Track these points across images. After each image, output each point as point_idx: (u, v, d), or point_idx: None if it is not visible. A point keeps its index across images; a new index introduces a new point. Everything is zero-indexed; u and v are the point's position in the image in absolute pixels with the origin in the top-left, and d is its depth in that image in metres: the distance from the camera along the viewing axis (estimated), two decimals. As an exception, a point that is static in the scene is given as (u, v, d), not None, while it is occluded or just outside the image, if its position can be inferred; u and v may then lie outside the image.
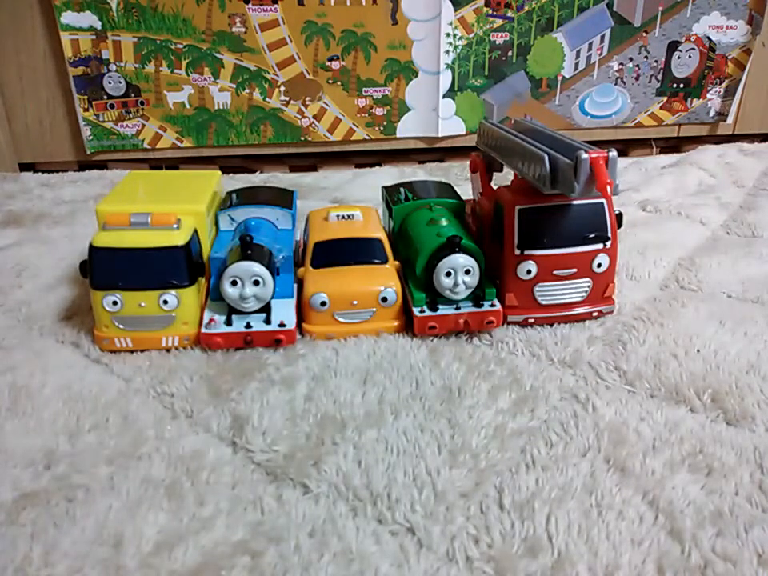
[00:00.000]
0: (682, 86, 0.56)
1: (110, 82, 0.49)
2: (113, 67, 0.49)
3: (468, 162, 0.33)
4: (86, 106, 0.50)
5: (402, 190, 0.33)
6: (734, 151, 0.54)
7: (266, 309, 0.26)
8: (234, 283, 0.25)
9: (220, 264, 0.27)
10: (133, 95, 0.50)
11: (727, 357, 0.25)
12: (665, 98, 0.57)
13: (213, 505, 0.18)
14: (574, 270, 0.27)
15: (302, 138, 0.53)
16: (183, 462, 0.20)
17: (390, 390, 0.23)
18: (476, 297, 0.27)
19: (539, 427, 0.21)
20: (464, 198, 0.32)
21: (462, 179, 0.49)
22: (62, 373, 0.25)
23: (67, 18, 0.47)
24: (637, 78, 0.56)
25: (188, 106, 0.51)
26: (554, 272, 0.27)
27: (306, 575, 0.16)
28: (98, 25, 0.47)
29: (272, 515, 0.18)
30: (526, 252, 0.26)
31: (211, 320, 0.26)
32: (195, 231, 0.27)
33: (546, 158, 0.24)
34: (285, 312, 0.27)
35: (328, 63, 0.51)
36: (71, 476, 0.19)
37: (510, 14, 0.52)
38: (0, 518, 0.18)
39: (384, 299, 0.27)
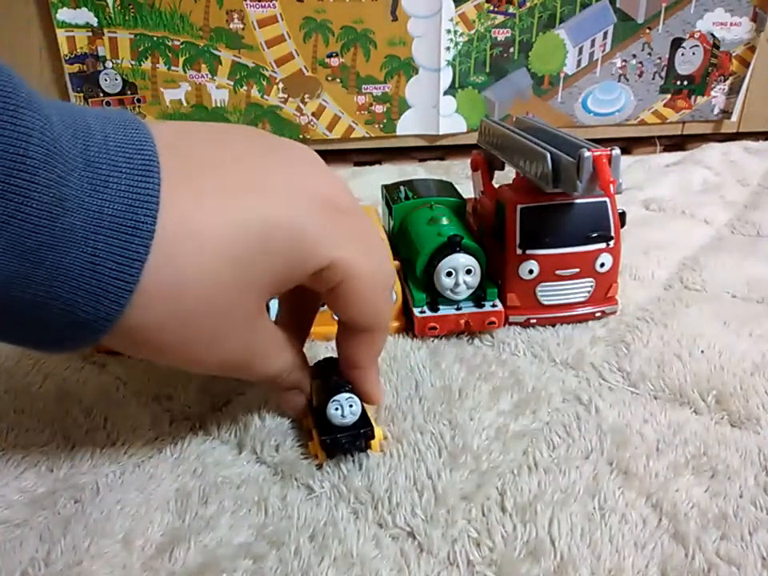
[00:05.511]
0: (685, 83, 0.56)
1: (106, 80, 0.49)
2: (109, 64, 0.48)
3: (469, 160, 0.33)
4: (82, 104, 0.49)
5: (401, 188, 0.32)
6: (738, 149, 0.54)
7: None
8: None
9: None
10: (129, 93, 0.50)
11: (732, 358, 0.24)
12: (668, 96, 0.56)
13: (216, 505, 0.18)
14: (577, 269, 0.26)
15: (301, 136, 0.53)
16: (183, 465, 0.20)
17: (388, 392, 0.23)
18: (477, 297, 0.27)
19: (541, 429, 0.21)
20: (465, 196, 0.32)
21: (462, 177, 0.49)
22: (59, 374, 0.25)
23: (63, 14, 0.46)
24: (640, 75, 0.55)
25: (185, 104, 0.51)
26: (557, 272, 0.26)
27: (306, 580, 0.16)
28: (94, 22, 0.47)
29: (275, 517, 0.18)
30: (528, 251, 0.26)
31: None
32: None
33: (548, 156, 0.23)
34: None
35: (327, 60, 0.51)
36: (74, 477, 0.19)
37: (511, 10, 0.51)
38: (10, 522, 0.18)
39: (384, 299, 0.27)
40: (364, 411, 0.19)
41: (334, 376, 0.19)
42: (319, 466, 0.19)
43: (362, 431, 0.19)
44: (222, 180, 0.14)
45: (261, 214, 0.14)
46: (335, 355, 0.20)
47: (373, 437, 0.19)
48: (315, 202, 0.15)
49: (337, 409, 0.18)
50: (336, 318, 0.25)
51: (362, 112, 0.53)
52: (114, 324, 0.13)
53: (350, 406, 0.19)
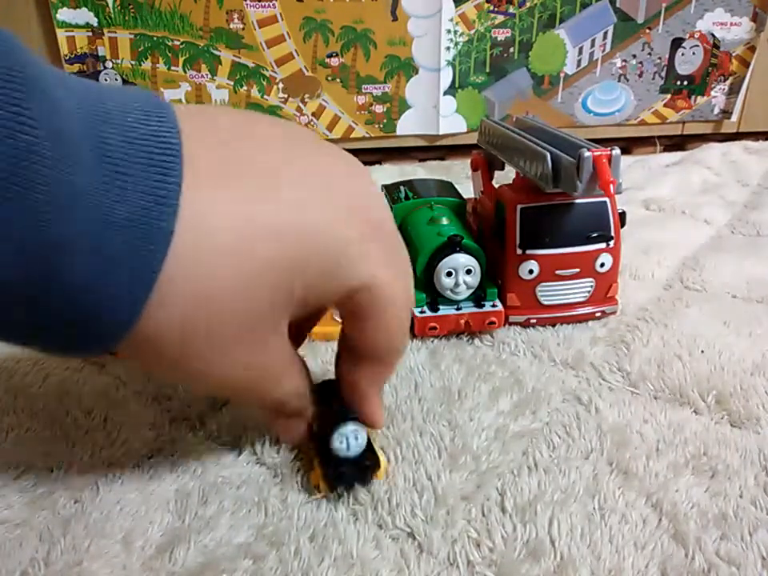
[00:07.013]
0: (685, 83, 0.56)
1: (106, 80, 0.49)
2: (109, 64, 0.48)
3: (469, 160, 0.33)
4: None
5: (401, 188, 0.32)
6: (738, 149, 0.54)
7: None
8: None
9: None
10: (130, 93, 0.50)
11: (732, 358, 0.24)
12: (668, 96, 0.56)
13: (216, 505, 0.18)
14: (577, 269, 0.26)
15: (302, 136, 0.53)
16: (183, 465, 0.20)
17: (387, 393, 0.23)
18: (477, 297, 0.27)
19: (541, 429, 0.21)
20: (465, 196, 0.32)
21: (463, 177, 0.49)
22: (59, 374, 0.25)
23: (63, 14, 0.46)
24: (640, 75, 0.55)
25: (185, 104, 0.51)
26: (557, 272, 0.26)
27: (305, 580, 0.16)
28: (94, 22, 0.47)
29: (275, 517, 0.18)
30: (528, 251, 0.26)
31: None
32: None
33: (548, 156, 0.23)
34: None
35: (327, 60, 0.51)
36: (74, 477, 0.19)
37: (511, 10, 0.51)
38: (10, 522, 0.18)
39: (384, 299, 0.27)
40: (369, 440, 0.18)
41: (336, 403, 0.18)
42: (324, 497, 0.18)
43: (367, 463, 0.18)
44: (253, 177, 0.13)
45: (297, 218, 0.13)
46: (335, 356, 0.20)
47: (378, 467, 0.18)
48: (354, 215, 0.14)
49: (342, 442, 0.17)
50: (336, 318, 0.24)
51: (362, 112, 0.53)
52: (129, 331, 0.12)
53: (356, 438, 0.17)
